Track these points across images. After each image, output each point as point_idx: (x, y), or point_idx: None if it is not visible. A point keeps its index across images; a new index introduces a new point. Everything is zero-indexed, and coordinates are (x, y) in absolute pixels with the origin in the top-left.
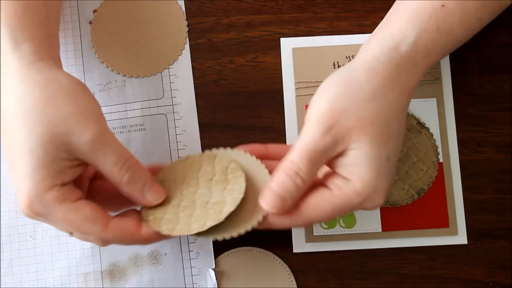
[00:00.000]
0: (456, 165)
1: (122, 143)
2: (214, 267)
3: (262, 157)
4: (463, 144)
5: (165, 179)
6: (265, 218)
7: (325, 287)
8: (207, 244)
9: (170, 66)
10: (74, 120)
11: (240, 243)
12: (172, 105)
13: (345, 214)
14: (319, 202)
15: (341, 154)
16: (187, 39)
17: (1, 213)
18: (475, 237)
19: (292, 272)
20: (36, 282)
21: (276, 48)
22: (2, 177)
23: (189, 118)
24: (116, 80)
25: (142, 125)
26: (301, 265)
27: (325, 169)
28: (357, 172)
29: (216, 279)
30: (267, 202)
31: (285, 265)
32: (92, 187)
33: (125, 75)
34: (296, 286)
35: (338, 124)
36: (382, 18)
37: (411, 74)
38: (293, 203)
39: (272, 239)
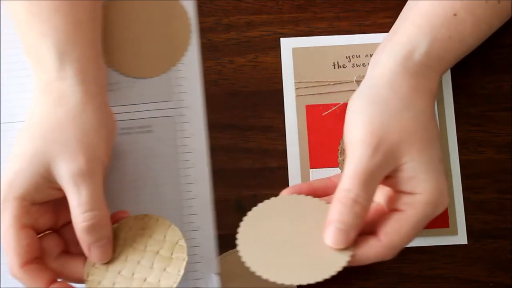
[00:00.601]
0: (456, 165)
1: (104, 197)
2: (217, 271)
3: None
4: (463, 144)
5: (117, 235)
6: (352, 256)
7: (325, 287)
8: (210, 248)
9: (177, 69)
10: (71, 148)
11: None
12: (180, 108)
13: (423, 227)
14: (399, 228)
15: (396, 170)
16: (193, 39)
17: None
18: (475, 237)
19: None
20: None
21: (276, 48)
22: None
23: (196, 121)
24: (124, 81)
25: (150, 127)
26: None
27: (382, 193)
28: (420, 183)
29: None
30: (330, 239)
31: None
32: None
33: (131, 76)
34: (296, 286)
35: (383, 141)
36: (382, 18)
37: (428, 79)
38: (357, 232)
39: None
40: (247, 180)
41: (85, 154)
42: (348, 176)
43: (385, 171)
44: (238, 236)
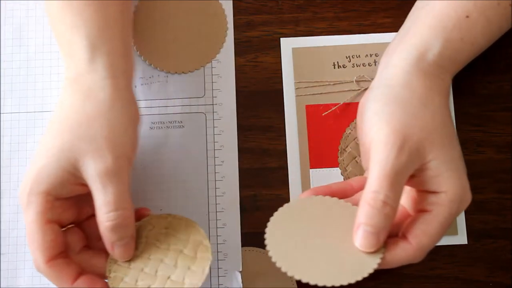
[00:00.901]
0: None
1: (129, 195)
2: (241, 269)
3: None
4: (463, 144)
5: (140, 233)
6: (382, 259)
7: (325, 287)
8: (235, 245)
9: (212, 66)
10: (98, 145)
11: (242, 244)
12: (212, 104)
13: (450, 226)
14: (427, 228)
15: (420, 169)
16: (228, 37)
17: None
18: (475, 237)
19: None
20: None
21: (276, 48)
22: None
23: (228, 118)
24: (158, 75)
25: (181, 122)
26: None
27: (404, 194)
28: (444, 181)
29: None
30: (360, 242)
31: None
32: None
33: (164, 71)
34: (296, 286)
35: (407, 140)
36: (382, 18)
37: (442, 79)
38: (387, 235)
39: None
40: (247, 180)
41: (113, 151)
42: (375, 177)
43: (410, 171)
44: (266, 236)
